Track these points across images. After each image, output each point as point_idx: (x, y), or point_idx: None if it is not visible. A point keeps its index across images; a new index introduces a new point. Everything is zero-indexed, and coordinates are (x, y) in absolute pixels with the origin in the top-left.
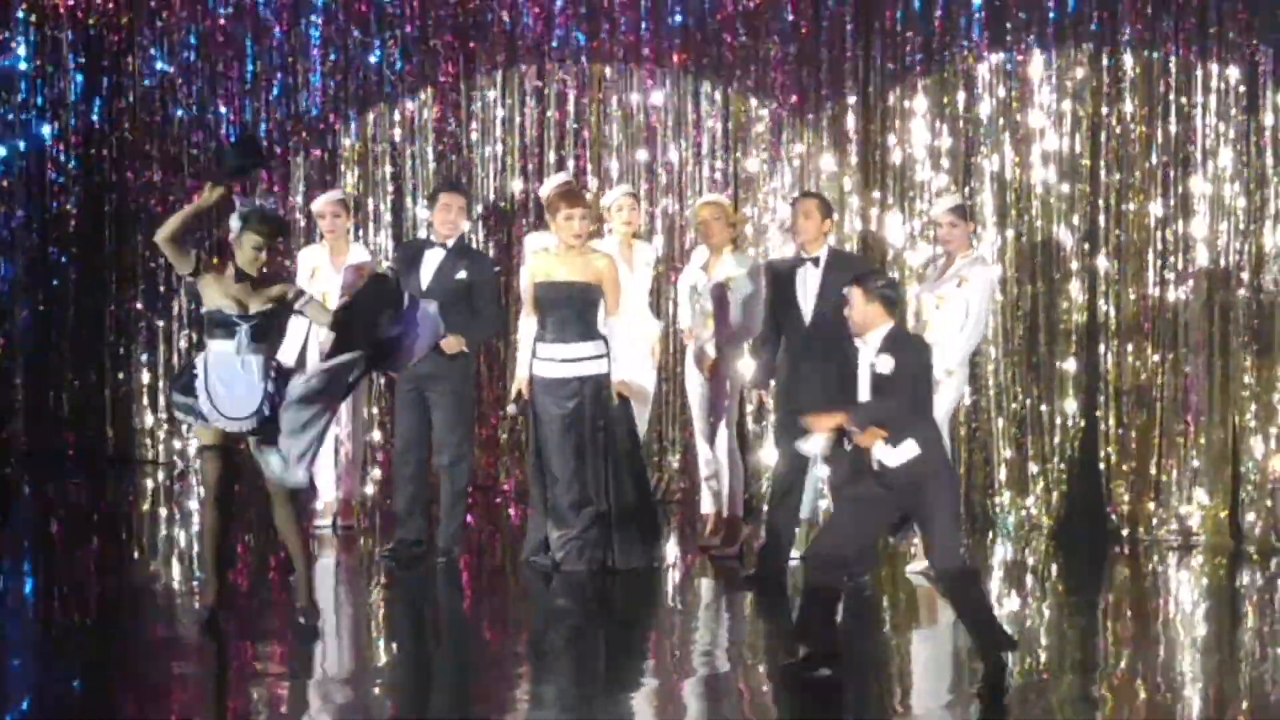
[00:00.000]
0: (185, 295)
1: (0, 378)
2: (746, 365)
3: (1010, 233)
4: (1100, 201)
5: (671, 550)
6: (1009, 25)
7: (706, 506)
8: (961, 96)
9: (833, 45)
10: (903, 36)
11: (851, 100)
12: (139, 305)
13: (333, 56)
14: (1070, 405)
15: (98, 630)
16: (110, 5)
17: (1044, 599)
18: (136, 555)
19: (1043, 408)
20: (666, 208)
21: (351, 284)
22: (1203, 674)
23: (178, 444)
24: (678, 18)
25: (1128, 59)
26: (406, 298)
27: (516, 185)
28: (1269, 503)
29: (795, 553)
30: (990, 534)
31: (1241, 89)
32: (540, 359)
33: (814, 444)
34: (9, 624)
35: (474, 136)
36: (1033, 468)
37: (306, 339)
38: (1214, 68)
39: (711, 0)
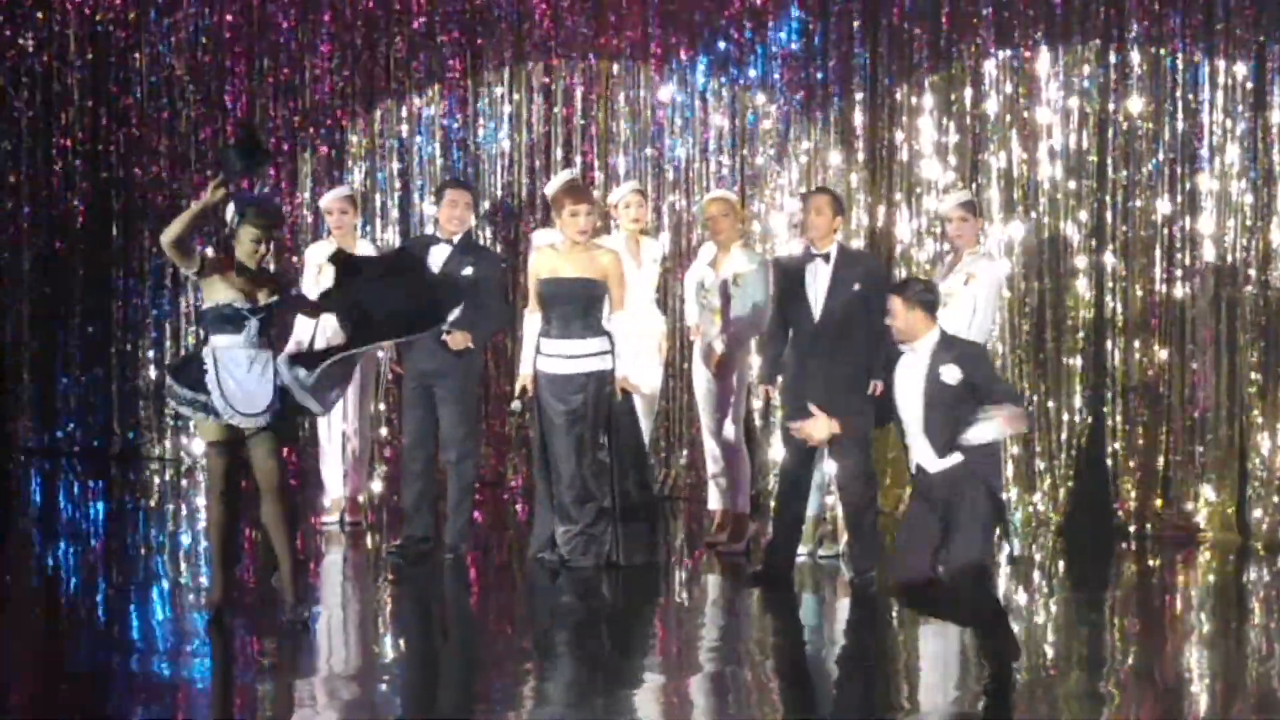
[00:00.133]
0: (193, 290)
1: (6, 374)
2: (754, 361)
3: (1018, 228)
4: (1107, 198)
5: (678, 547)
6: (1016, 22)
7: (713, 503)
8: (969, 93)
9: (840, 42)
10: (910, 33)
11: (859, 96)
12: (146, 301)
13: (340, 51)
14: (1077, 401)
15: (103, 627)
16: (118, 1)
17: (1051, 595)
18: (143, 551)
19: (1050, 404)
20: (674, 204)
21: None
22: (1209, 670)
23: (184, 440)
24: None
25: (1134, 55)
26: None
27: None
28: (1276, 499)
29: (803, 549)
30: (996, 530)
31: (1249, 85)
32: (545, 355)
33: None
34: (13, 621)
35: (481, 133)
36: (1040, 464)
37: (314, 335)
38: (1221, 64)
39: None
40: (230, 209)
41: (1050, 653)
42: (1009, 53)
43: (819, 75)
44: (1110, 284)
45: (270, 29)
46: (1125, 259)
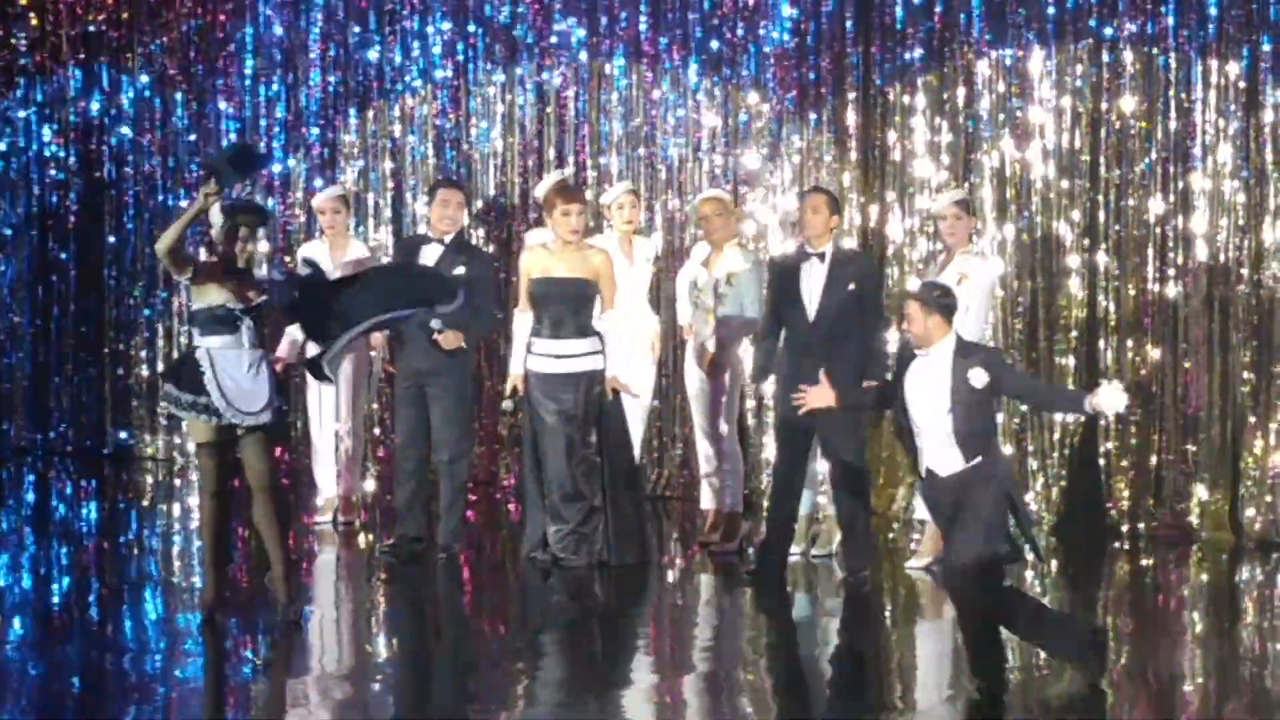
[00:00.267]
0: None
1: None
2: (746, 361)
3: (1010, 228)
4: (1100, 197)
5: (671, 546)
6: (1009, 21)
7: (706, 502)
8: (962, 92)
9: (833, 41)
10: (903, 32)
11: (851, 96)
12: (138, 301)
13: (332, 52)
14: None
15: (95, 627)
16: (111, 1)
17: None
18: (135, 551)
19: None
20: (666, 203)
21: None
22: (1203, 669)
23: (177, 440)
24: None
25: (1127, 54)
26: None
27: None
28: (1269, 498)
29: (795, 549)
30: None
31: (1241, 85)
32: (536, 354)
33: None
34: (6, 620)
35: (474, 132)
36: (1032, 463)
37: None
38: (1214, 63)
39: None
40: (215, 210)
41: (1043, 653)
42: (1002, 52)
43: (811, 75)
44: (1103, 283)
45: (263, 27)
46: (1118, 258)
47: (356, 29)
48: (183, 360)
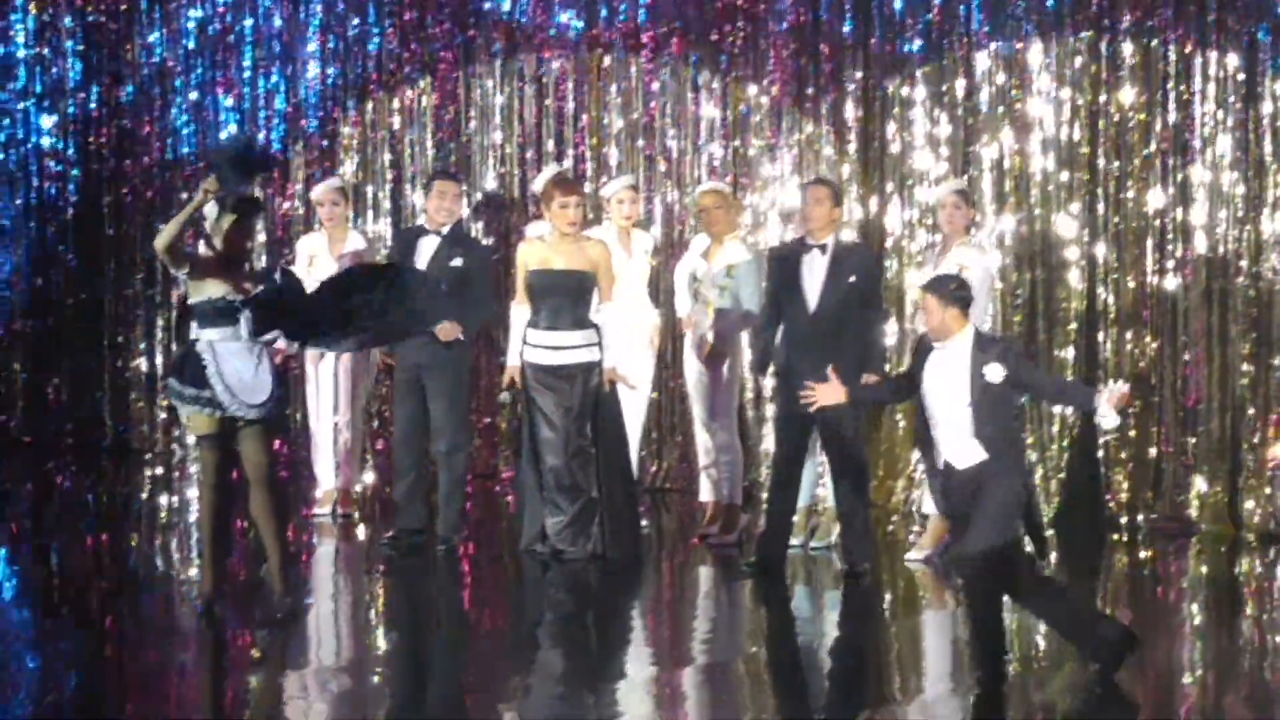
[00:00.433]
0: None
1: None
2: (746, 353)
3: (1009, 220)
4: (1099, 189)
5: (670, 539)
6: (1008, 13)
7: (705, 495)
8: (961, 84)
9: (832, 33)
10: (902, 24)
11: (851, 88)
12: (138, 293)
13: (331, 44)
14: None
15: (95, 619)
16: None
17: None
18: (134, 544)
19: None
20: (665, 195)
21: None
22: (1202, 662)
23: (176, 433)
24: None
25: (1127, 46)
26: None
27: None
28: (1268, 490)
29: (794, 541)
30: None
31: (1240, 77)
32: (533, 346)
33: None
34: (6, 614)
35: (472, 125)
36: (1032, 456)
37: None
38: (1213, 55)
39: None
40: (209, 204)
41: (1042, 645)
42: (1001, 44)
43: (811, 67)
44: (1102, 275)
45: (262, 20)
46: (1117, 250)
47: (356, 21)
48: (185, 354)
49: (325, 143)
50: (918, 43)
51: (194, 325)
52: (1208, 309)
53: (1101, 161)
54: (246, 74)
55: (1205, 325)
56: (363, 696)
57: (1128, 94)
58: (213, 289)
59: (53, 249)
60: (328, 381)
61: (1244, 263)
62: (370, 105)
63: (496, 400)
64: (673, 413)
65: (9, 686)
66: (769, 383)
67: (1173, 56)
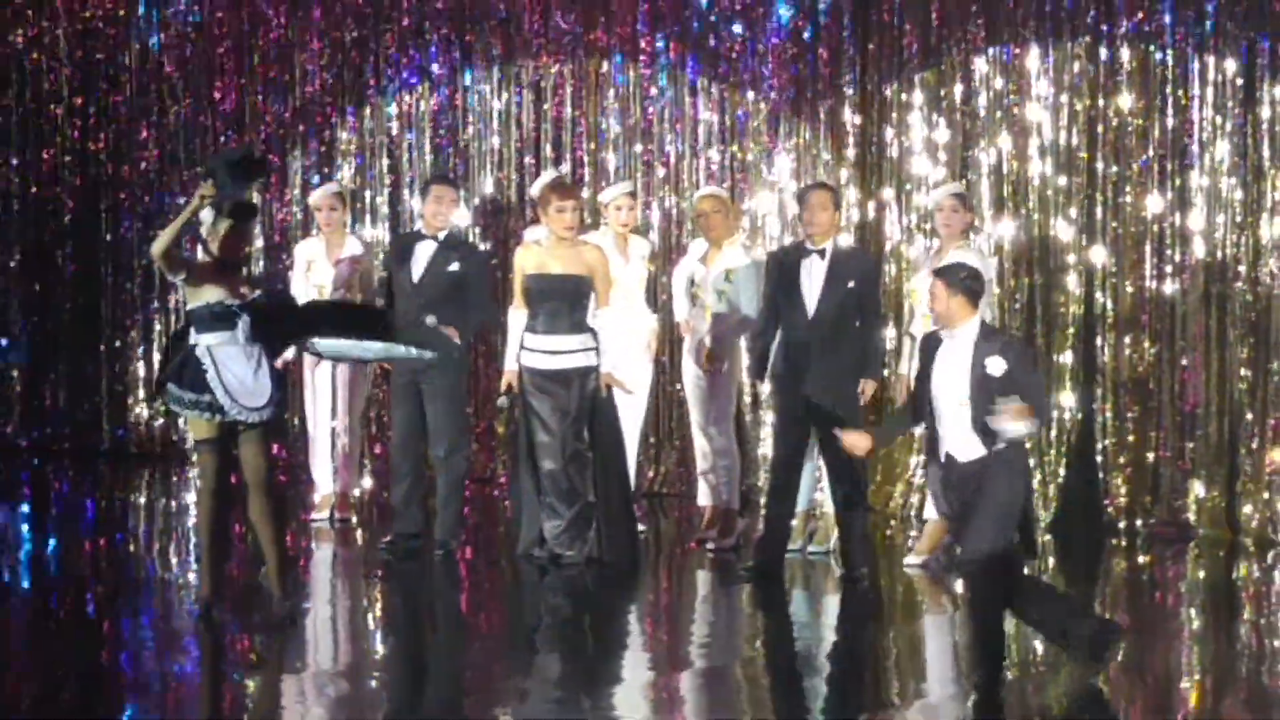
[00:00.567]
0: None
1: None
2: (744, 357)
3: (1008, 225)
4: (1097, 194)
5: (668, 543)
6: (1006, 18)
7: (703, 499)
8: (959, 89)
9: (830, 38)
10: (900, 29)
11: (849, 93)
12: (134, 298)
13: (329, 49)
14: (1067, 397)
15: (93, 623)
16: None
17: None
18: (132, 548)
19: None
20: (664, 200)
21: (347, 277)
22: (1200, 666)
23: (174, 437)
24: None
25: (1125, 51)
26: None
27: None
28: (1266, 495)
29: (792, 546)
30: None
31: (1239, 82)
32: (530, 350)
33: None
34: (4, 617)
35: (470, 130)
36: (1030, 460)
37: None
38: (1211, 60)
39: None
40: (205, 209)
41: (1040, 649)
42: (999, 49)
43: (809, 71)
44: (1100, 280)
45: (260, 25)
46: (1115, 255)
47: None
48: (184, 359)
49: (323, 148)
50: (916, 47)
51: (192, 330)
52: (1206, 314)
53: (1100, 166)
54: (244, 78)
55: (1203, 330)
56: (360, 700)
57: (1126, 99)
58: (210, 294)
59: (50, 253)
60: (325, 386)
61: (1242, 267)
62: (368, 110)
63: (494, 404)
64: (670, 417)
65: (8, 689)
66: (767, 387)
67: (1171, 61)
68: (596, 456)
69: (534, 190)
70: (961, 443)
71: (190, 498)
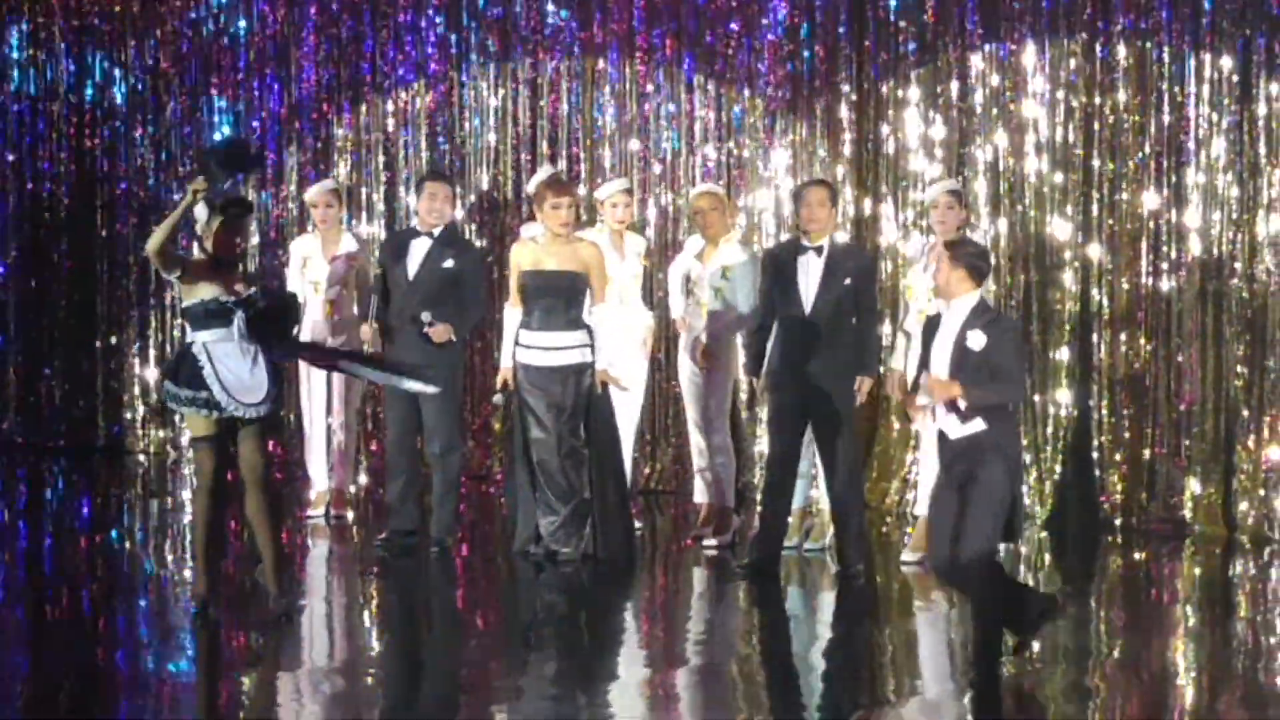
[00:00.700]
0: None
1: None
2: (740, 354)
3: (1004, 222)
4: (1093, 191)
5: (663, 540)
6: (1002, 15)
7: (699, 496)
8: (955, 86)
9: (826, 34)
10: (896, 26)
11: (845, 89)
12: (130, 295)
13: (325, 46)
14: (1063, 395)
15: (89, 621)
16: None
17: (1036, 588)
18: (128, 545)
19: (1035, 397)
20: (660, 196)
21: (342, 274)
22: (1196, 663)
23: (169, 434)
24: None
25: (1121, 48)
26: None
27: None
28: (1262, 492)
29: (788, 542)
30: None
31: (1235, 79)
32: (525, 347)
33: (951, 421)
34: (1, 616)
35: (467, 127)
36: (1026, 457)
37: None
38: (1207, 57)
39: None
40: (200, 206)
41: (1036, 646)
42: (995, 45)
43: (805, 68)
44: (1096, 277)
45: (255, 22)
46: (1111, 252)
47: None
48: (180, 356)
49: (319, 144)
50: (912, 44)
51: (188, 328)
52: (1202, 310)
53: (1096, 163)
54: (240, 75)
55: (1199, 327)
56: (357, 698)
57: (1122, 95)
58: (205, 291)
59: (45, 250)
60: (321, 383)
61: (1238, 264)
62: (364, 107)
63: (490, 401)
64: (666, 414)
65: (3, 688)
66: (763, 384)
67: (1167, 58)
68: (592, 453)
69: (530, 187)
70: (948, 419)
71: (186, 495)
